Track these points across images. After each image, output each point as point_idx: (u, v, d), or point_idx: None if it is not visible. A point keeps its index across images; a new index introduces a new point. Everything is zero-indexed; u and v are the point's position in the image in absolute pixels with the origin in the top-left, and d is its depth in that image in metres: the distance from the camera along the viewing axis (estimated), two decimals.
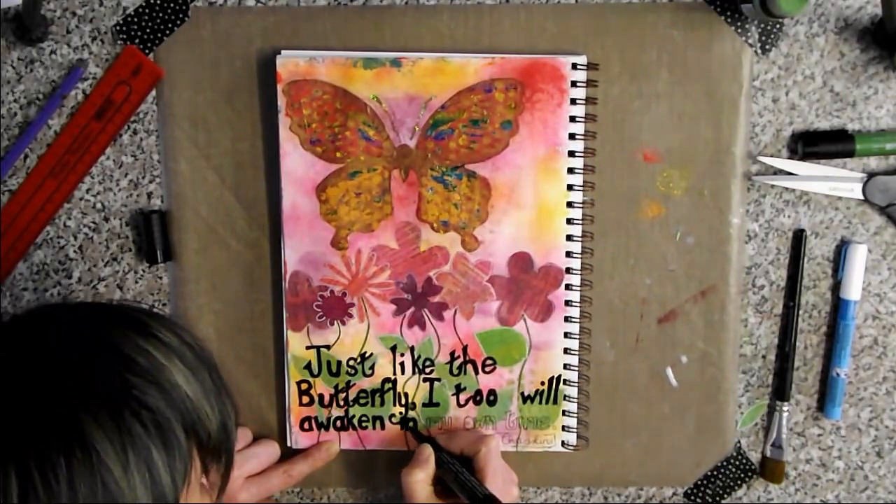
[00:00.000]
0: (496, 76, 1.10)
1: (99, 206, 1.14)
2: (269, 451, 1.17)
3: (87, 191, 1.14)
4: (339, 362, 1.16)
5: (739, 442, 1.20)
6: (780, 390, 1.18)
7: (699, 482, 1.20)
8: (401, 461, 1.13)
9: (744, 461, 1.20)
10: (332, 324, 1.15)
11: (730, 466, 1.20)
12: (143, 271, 1.16)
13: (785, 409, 1.18)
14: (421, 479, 1.09)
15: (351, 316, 1.14)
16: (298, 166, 1.12)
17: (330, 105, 1.10)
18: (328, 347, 1.15)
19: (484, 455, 1.10)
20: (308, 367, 1.16)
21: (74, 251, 1.15)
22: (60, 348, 0.81)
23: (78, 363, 0.80)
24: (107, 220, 1.15)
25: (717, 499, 1.21)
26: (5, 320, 0.87)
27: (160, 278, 1.16)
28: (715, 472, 1.20)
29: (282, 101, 1.10)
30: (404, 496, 1.10)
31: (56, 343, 0.81)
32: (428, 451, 1.12)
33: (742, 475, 1.21)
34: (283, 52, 1.10)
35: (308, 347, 1.15)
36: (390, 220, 1.12)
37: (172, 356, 0.84)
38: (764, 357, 1.18)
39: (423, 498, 1.09)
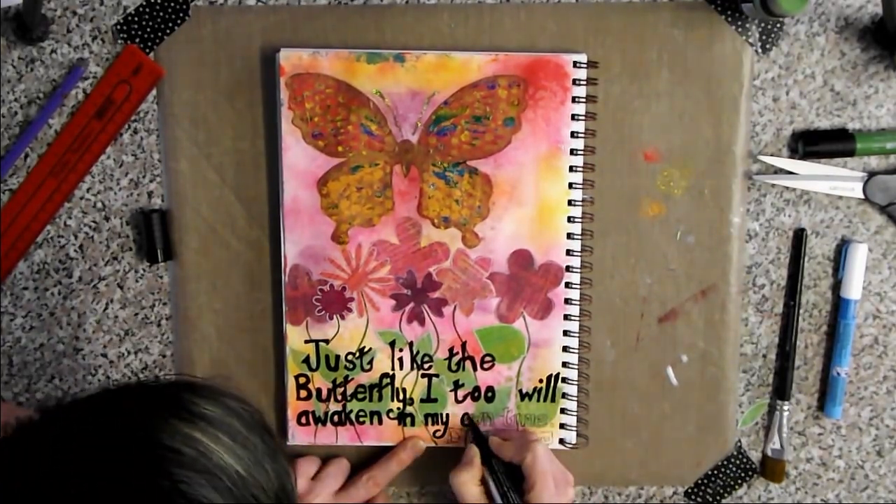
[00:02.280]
0: (499, 73, 1.10)
1: (99, 205, 1.14)
2: (340, 466, 1.17)
3: (88, 190, 1.14)
4: (337, 357, 1.15)
5: (740, 441, 1.20)
6: (781, 389, 1.18)
7: (699, 481, 1.20)
8: (457, 459, 1.14)
9: (744, 460, 1.20)
10: (331, 318, 1.15)
11: (730, 465, 1.20)
12: (144, 270, 1.16)
13: (785, 408, 1.18)
14: (467, 481, 1.10)
15: (350, 310, 1.14)
16: (300, 160, 1.12)
17: (332, 99, 1.10)
18: (327, 341, 1.15)
19: (530, 463, 1.09)
20: (306, 360, 1.16)
21: (75, 250, 1.15)
22: (99, 451, 0.74)
23: (121, 465, 0.73)
24: (107, 219, 1.15)
25: (718, 498, 1.21)
26: (34, 419, 0.78)
27: (160, 277, 1.16)
28: (715, 472, 1.20)
29: (284, 95, 1.10)
30: (455, 497, 1.11)
31: (93, 445, 0.74)
32: (474, 452, 1.12)
33: (742, 474, 1.20)
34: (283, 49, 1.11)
35: (307, 341, 1.15)
36: (391, 215, 1.13)
37: (219, 434, 0.78)
38: (764, 356, 1.18)
39: (472, 498, 1.09)
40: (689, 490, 1.20)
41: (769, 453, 1.19)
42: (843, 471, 1.21)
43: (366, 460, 1.19)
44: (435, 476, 1.18)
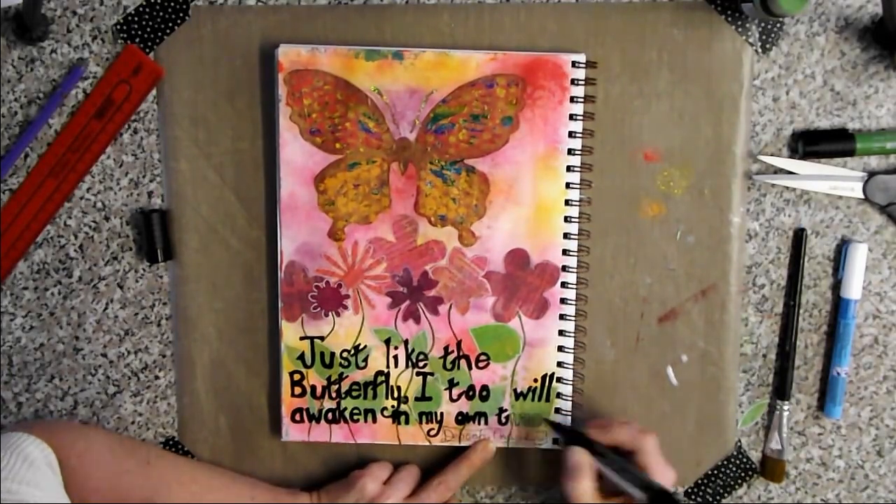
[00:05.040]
0: (498, 72, 1.10)
1: (99, 205, 1.15)
2: (411, 472, 1.17)
3: (88, 190, 1.14)
4: (332, 354, 1.15)
5: (740, 441, 1.20)
6: (781, 389, 1.18)
7: (699, 481, 1.20)
8: (553, 458, 1.13)
9: (744, 460, 1.20)
10: (326, 315, 1.14)
11: (730, 465, 1.20)
12: (144, 270, 1.16)
13: (785, 408, 1.18)
14: (589, 488, 1.06)
15: (346, 308, 1.14)
16: (297, 156, 1.12)
17: (331, 96, 1.11)
18: (322, 338, 1.15)
19: (648, 453, 1.08)
20: (301, 357, 1.15)
21: (75, 250, 1.15)
22: None
23: None
24: (107, 219, 1.15)
25: (718, 498, 1.20)
26: None
27: (160, 277, 1.16)
28: (715, 472, 1.19)
29: (282, 91, 1.10)
30: (568, 501, 1.08)
31: None
32: (586, 457, 1.08)
33: (742, 474, 1.20)
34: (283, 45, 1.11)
35: (302, 338, 1.15)
36: (388, 212, 1.12)
37: None
38: (764, 356, 1.18)
39: (592, 499, 1.06)
40: (689, 490, 1.20)
41: (769, 453, 1.19)
42: (843, 471, 1.21)
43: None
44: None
